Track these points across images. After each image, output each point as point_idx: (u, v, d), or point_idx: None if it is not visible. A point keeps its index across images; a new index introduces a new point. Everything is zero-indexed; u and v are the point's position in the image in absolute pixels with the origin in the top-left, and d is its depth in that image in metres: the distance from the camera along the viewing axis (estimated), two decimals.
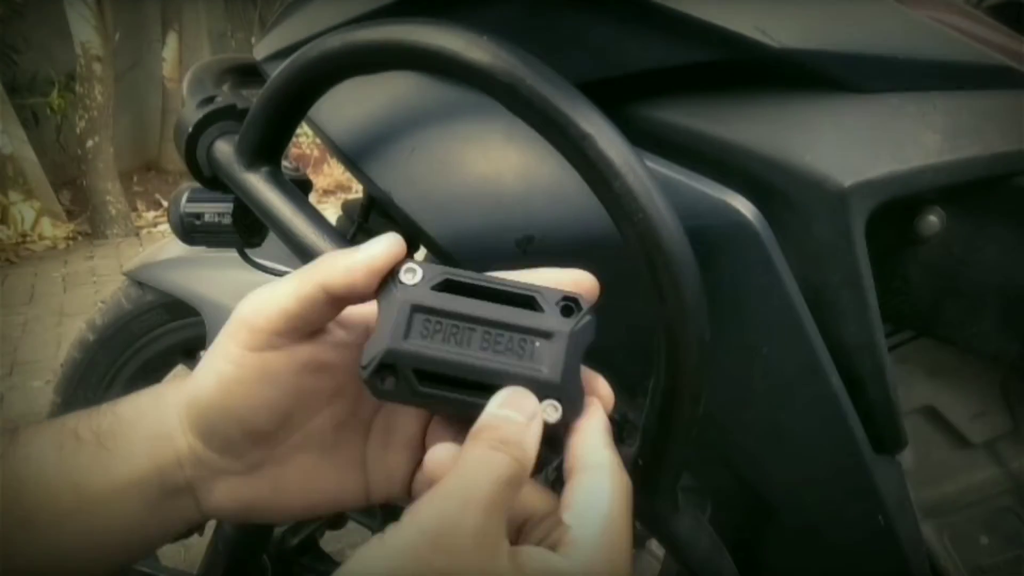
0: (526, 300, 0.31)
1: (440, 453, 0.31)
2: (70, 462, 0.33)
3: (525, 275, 0.34)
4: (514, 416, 0.30)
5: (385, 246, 0.31)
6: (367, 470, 0.36)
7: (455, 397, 0.31)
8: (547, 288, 0.32)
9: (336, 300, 0.32)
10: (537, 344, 0.31)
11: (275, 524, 0.41)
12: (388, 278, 0.31)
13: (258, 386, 0.32)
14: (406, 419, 0.36)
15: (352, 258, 0.31)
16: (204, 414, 0.33)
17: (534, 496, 0.32)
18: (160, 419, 0.34)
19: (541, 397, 0.30)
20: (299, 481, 0.35)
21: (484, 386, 0.30)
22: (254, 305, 0.33)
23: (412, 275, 0.31)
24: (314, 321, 0.33)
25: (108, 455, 0.33)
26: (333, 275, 0.31)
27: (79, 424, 0.34)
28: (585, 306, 0.31)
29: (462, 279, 0.31)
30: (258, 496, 0.35)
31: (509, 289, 0.31)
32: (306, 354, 0.33)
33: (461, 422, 0.33)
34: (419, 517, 0.26)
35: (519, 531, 0.32)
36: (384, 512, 0.96)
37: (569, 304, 0.31)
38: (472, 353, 0.30)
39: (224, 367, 0.32)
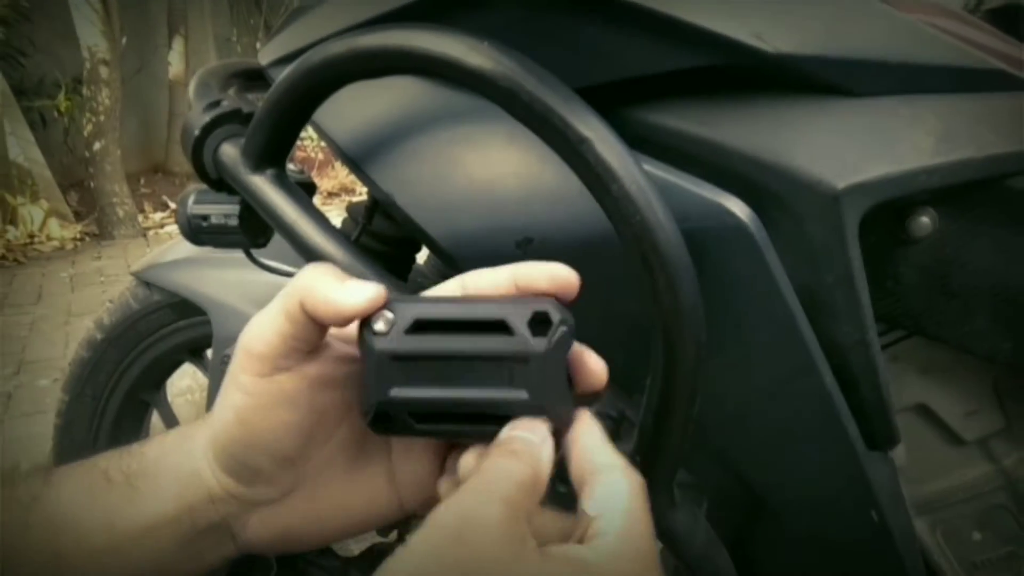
0: (496, 325, 0.31)
1: (469, 459, 0.32)
2: (101, 503, 0.33)
3: (505, 270, 0.34)
4: (528, 436, 0.30)
5: (363, 299, 0.31)
6: (396, 481, 0.36)
7: (454, 429, 0.32)
8: (517, 304, 0.31)
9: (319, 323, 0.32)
10: (516, 369, 0.31)
11: (313, 549, 0.42)
12: (363, 324, 0.32)
13: (275, 410, 0.32)
14: None
15: (330, 295, 0.31)
16: (228, 449, 0.33)
17: (553, 521, 0.31)
18: (187, 459, 0.34)
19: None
20: (332, 500, 0.35)
21: (478, 415, 0.31)
22: (253, 333, 0.33)
23: (384, 323, 0.31)
24: (312, 338, 0.33)
25: (138, 495, 0.34)
26: (315, 304, 0.31)
27: (109, 465, 0.35)
28: (556, 318, 0.31)
29: (432, 316, 0.31)
30: (293, 522, 0.35)
31: (479, 317, 0.31)
32: (314, 371, 0.33)
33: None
34: (439, 516, 0.27)
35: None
36: None
37: (539, 319, 0.31)
38: (458, 389, 0.31)
39: (239, 399, 0.32)
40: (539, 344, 0.30)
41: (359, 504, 0.36)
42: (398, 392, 0.31)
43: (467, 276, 0.35)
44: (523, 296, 0.33)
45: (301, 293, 0.31)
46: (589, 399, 0.34)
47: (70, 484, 0.34)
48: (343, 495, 0.35)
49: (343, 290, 0.31)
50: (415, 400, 0.31)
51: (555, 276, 0.33)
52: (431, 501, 0.34)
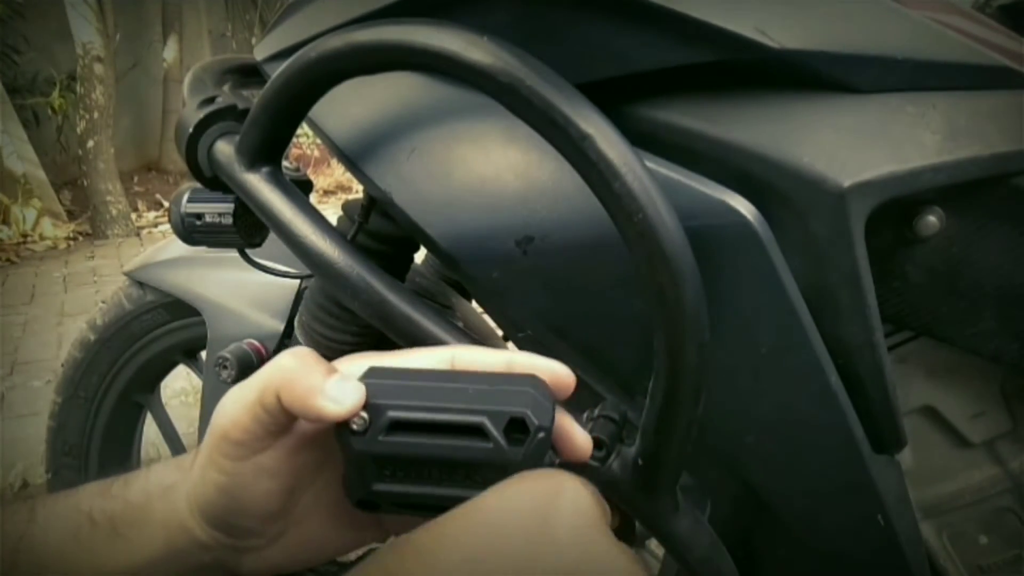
0: (474, 429, 0.31)
1: None
2: (87, 545, 0.34)
3: (500, 355, 0.34)
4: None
5: (345, 409, 0.30)
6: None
7: (439, 509, 0.32)
8: (497, 403, 0.31)
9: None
10: (492, 474, 0.31)
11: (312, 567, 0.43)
12: (340, 424, 0.31)
13: (256, 483, 0.33)
14: None
15: (310, 399, 0.30)
16: (214, 513, 0.33)
17: None
18: (172, 511, 0.34)
19: None
20: (321, 532, 0.36)
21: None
22: (228, 418, 0.32)
23: (360, 423, 0.31)
24: (288, 422, 0.33)
25: (125, 542, 0.34)
26: (292, 401, 0.31)
27: (92, 507, 0.35)
28: (533, 425, 0.30)
29: (408, 418, 0.31)
30: (288, 556, 0.36)
31: (455, 420, 0.31)
32: (291, 442, 0.33)
33: None
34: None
35: None
36: None
37: (516, 426, 0.31)
38: (437, 488, 0.32)
39: (219, 479, 0.33)
40: (515, 454, 0.30)
41: (348, 529, 0.37)
42: (380, 487, 0.32)
43: (459, 352, 0.34)
44: (511, 378, 0.33)
45: (279, 385, 0.31)
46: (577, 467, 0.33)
47: (56, 522, 0.34)
48: (332, 527, 0.36)
49: (324, 395, 0.30)
50: (398, 494, 0.32)
51: (553, 375, 0.33)
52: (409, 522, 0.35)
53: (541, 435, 0.31)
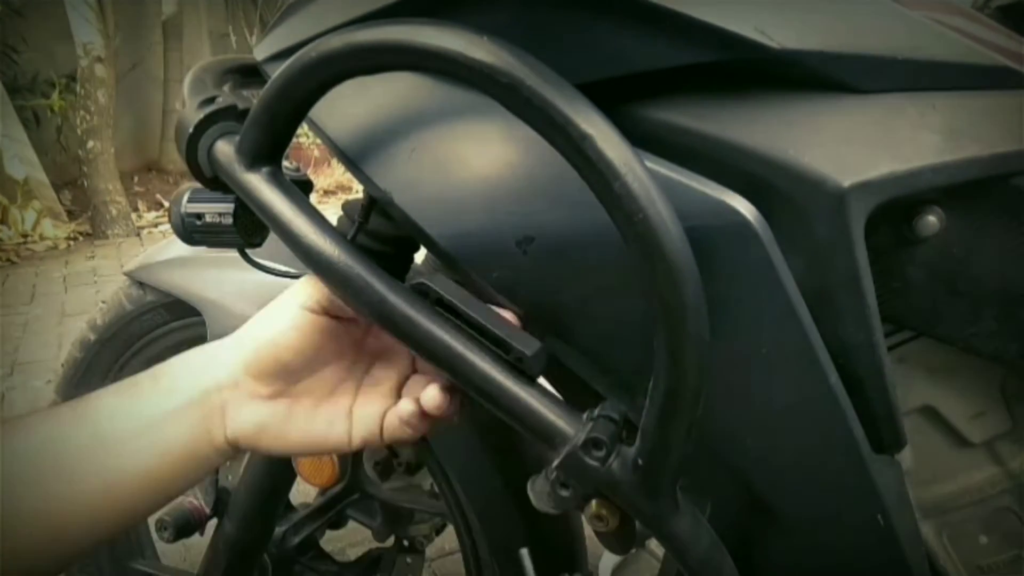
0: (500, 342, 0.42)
1: (432, 391, 0.44)
2: (128, 394, 0.45)
3: None
4: None
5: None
6: (352, 418, 0.47)
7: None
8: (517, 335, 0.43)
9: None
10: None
11: (275, 455, 0.61)
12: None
13: (299, 337, 0.45)
14: (389, 373, 0.49)
15: None
16: (255, 347, 0.45)
17: None
18: (207, 356, 0.46)
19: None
20: (301, 417, 0.46)
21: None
22: (316, 285, 0.45)
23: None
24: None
25: (160, 386, 0.45)
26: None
27: (137, 377, 0.46)
28: (537, 352, 0.43)
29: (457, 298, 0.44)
30: (271, 421, 0.46)
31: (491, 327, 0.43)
32: (332, 324, 0.46)
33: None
34: None
35: None
36: (384, 512, 0.96)
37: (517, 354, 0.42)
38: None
39: (286, 319, 0.45)
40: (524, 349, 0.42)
41: (319, 430, 0.47)
42: (434, 282, 0.44)
43: None
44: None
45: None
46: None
47: (106, 392, 0.45)
48: (310, 418, 0.47)
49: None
50: (444, 293, 0.44)
51: None
52: (372, 438, 0.47)
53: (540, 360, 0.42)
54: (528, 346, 0.42)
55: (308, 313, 0.45)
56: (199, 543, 0.89)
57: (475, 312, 0.43)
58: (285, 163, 0.49)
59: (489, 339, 0.42)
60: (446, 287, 0.44)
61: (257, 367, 0.45)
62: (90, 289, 3.02)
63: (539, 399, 0.42)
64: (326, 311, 0.45)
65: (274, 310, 0.46)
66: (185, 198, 0.55)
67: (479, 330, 0.43)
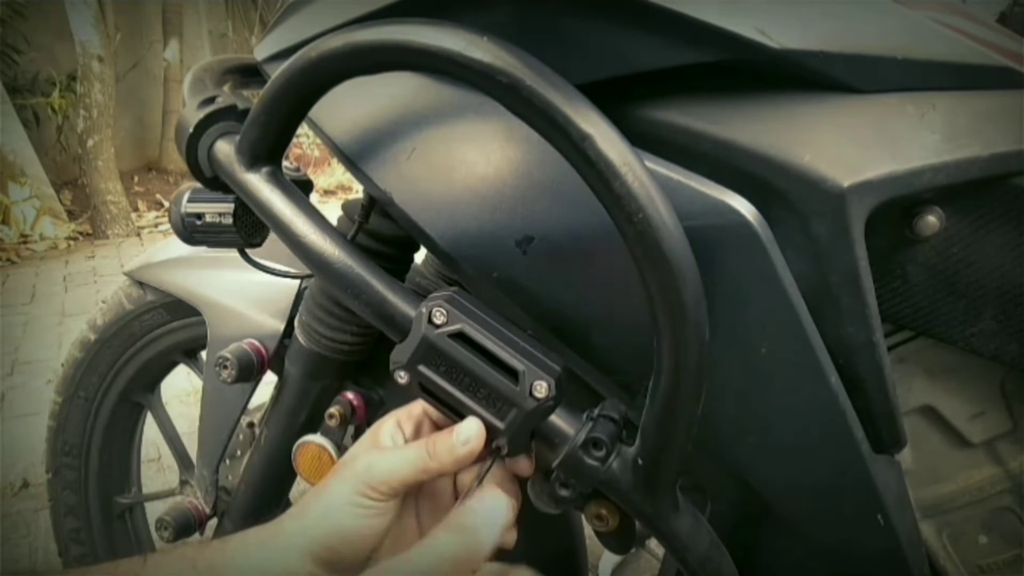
0: (512, 371, 0.40)
1: (465, 477, 0.46)
2: None
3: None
4: (479, 508, 0.40)
5: (472, 445, 0.41)
6: (420, 520, 0.47)
7: (451, 408, 0.42)
8: (536, 364, 0.41)
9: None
10: (505, 407, 0.41)
11: None
12: (423, 310, 0.41)
13: (377, 523, 0.42)
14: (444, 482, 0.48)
15: (459, 454, 0.41)
16: (329, 544, 0.41)
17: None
18: (269, 558, 0.41)
19: (492, 437, 0.41)
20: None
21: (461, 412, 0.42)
22: (385, 468, 0.42)
23: (440, 316, 0.41)
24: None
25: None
26: (443, 468, 0.41)
27: (196, 556, 0.41)
28: (553, 392, 0.40)
29: (472, 337, 0.41)
30: None
31: (503, 357, 0.41)
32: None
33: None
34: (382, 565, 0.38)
35: None
36: None
37: (538, 387, 0.40)
38: (460, 392, 0.41)
39: (353, 512, 0.41)
40: (529, 403, 0.40)
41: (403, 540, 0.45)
42: (422, 368, 0.41)
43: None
44: (549, 353, 0.42)
45: (436, 466, 0.41)
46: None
47: (164, 569, 0.41)
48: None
49: (460, 444, 0.41)
50: (431, 380, 0.41)
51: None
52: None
53: (550, 404, 0.40)
54: (548, 372, 0.41)
55: (383, 504, 0.42)
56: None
57: (494, 343, 0.41)
58: (285, 163, 0.50)
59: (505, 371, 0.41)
60: (472, 315, 0.42)
61: (333, 566, 0.42)
62: (90, 289, 3.02)
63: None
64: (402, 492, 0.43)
65: (341, 505, 0.42)
66: (185, 198, 0.55)
67: (494, 360, 0.41)
